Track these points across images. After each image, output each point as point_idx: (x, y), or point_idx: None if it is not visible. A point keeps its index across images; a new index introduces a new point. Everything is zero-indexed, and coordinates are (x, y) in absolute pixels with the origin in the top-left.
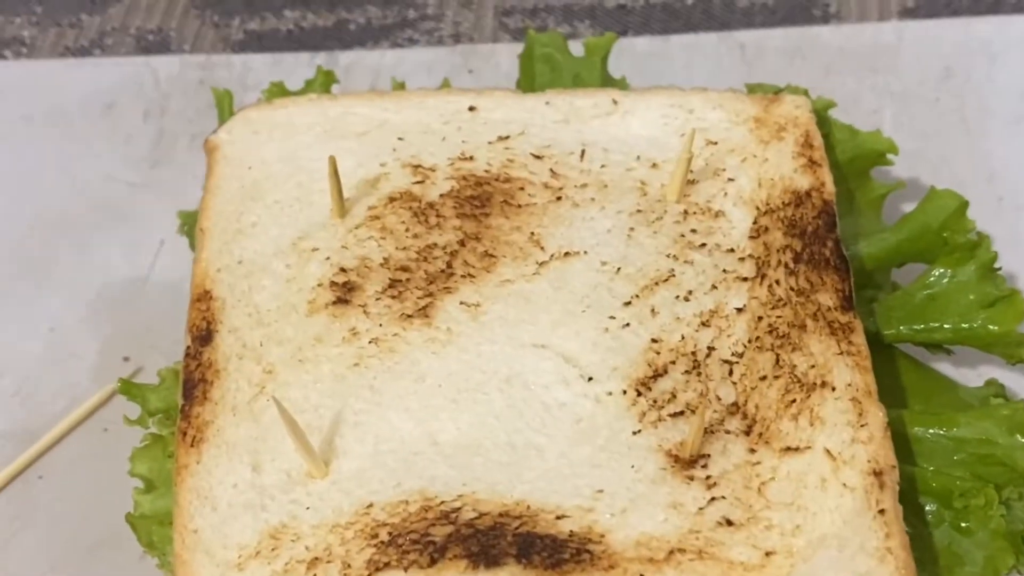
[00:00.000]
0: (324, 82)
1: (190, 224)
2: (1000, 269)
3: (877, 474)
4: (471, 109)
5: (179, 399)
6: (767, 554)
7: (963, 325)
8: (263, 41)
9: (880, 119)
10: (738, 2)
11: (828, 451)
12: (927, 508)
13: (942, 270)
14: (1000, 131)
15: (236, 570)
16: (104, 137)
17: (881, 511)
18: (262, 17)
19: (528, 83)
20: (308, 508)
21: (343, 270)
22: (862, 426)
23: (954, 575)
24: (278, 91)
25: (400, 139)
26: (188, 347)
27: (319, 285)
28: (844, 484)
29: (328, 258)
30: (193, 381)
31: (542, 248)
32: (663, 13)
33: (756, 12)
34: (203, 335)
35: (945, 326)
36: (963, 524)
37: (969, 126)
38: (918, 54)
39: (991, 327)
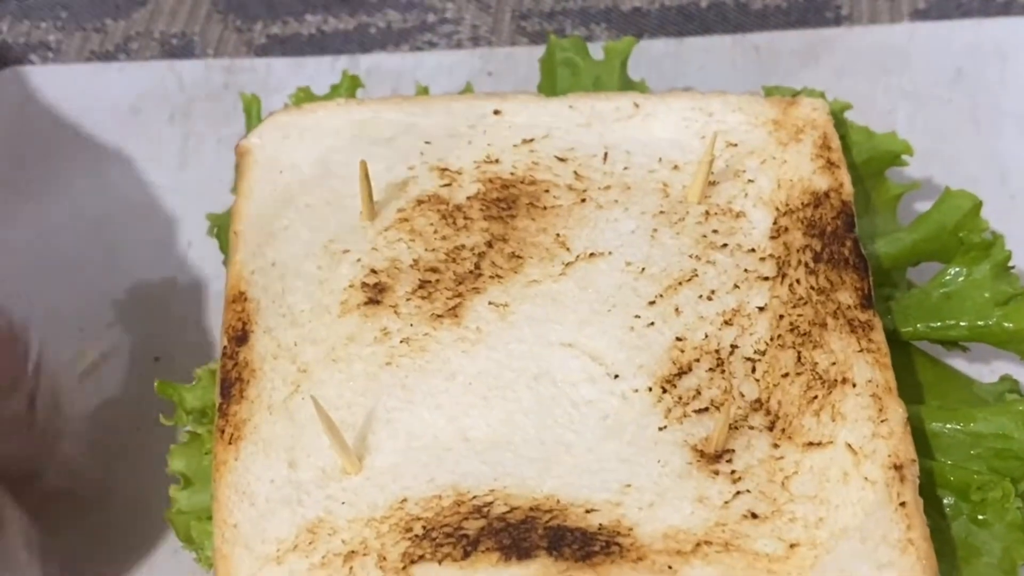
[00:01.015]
0: (350, 87)
1: (219, 226)
2: (1014, 268)
3: (898, 468)
4: (496, 113)
5: (216, 398)
6: (791, 546)
7: (979, 323)
8: (285, 45)
9: (894, 119)
10: (752, 4)
11: (850, 446)
12: (945, 501)
13: (957, 269)
14: (1012, 130)
15: (275, 563)
16: (131, 140)
17: (902, 504)
18: (284, 21)
19: (550, 87)
20: (343, 503)
21: (374, 271)
22: (882, 421)
23: (971, 566)
24: (305, 96)
25: (427, 143)
26: (225, 347)
27: (350, 286)
28: (866, 478)
29: (359, 260)
30: (230, 380)
31: (568, 249)
32: (678, 16)
33: (770, 14)
34: (239, 335)
35: (961, 324)
36: (980, 516)
37: (981, 126)
38: (930, 55)
39: (1006, 324)
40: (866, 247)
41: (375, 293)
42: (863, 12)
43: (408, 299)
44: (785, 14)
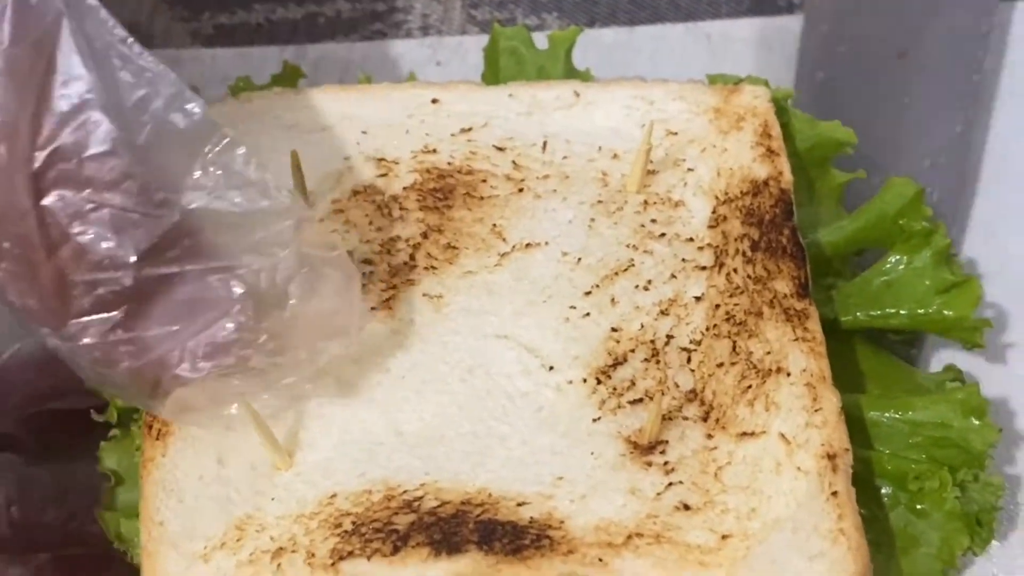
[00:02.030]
0: (290, 77)
1: None
2: (956, 255)
3: (831, 457)
4: (434, 102)
5: None
6: (723, 537)
7: (919, 311)
8: (233, 35)
9: None
10: None
11: (783, 435)
12: (883, 491)
13: (898, 257)
14: None
15: (202, 561)
16: None
17: (834, 493)
18: (231, 11)
19: (493, 76)
20: (273, 499)
21: None
22: (816, 411)
23: (910, 556)
24: (243, 86)
25: (364, 133)
26: None
27: None
28: (798, 468)
29: None
30: None
31: (504, 239)
32: (630, 4)
33: (722, 2)
34: None
35: (901, 312)
36: (918, 506)
37: None
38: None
39: (947, 312)
40: (808, 236)
41: None
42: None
43: None
44: (738, 2)
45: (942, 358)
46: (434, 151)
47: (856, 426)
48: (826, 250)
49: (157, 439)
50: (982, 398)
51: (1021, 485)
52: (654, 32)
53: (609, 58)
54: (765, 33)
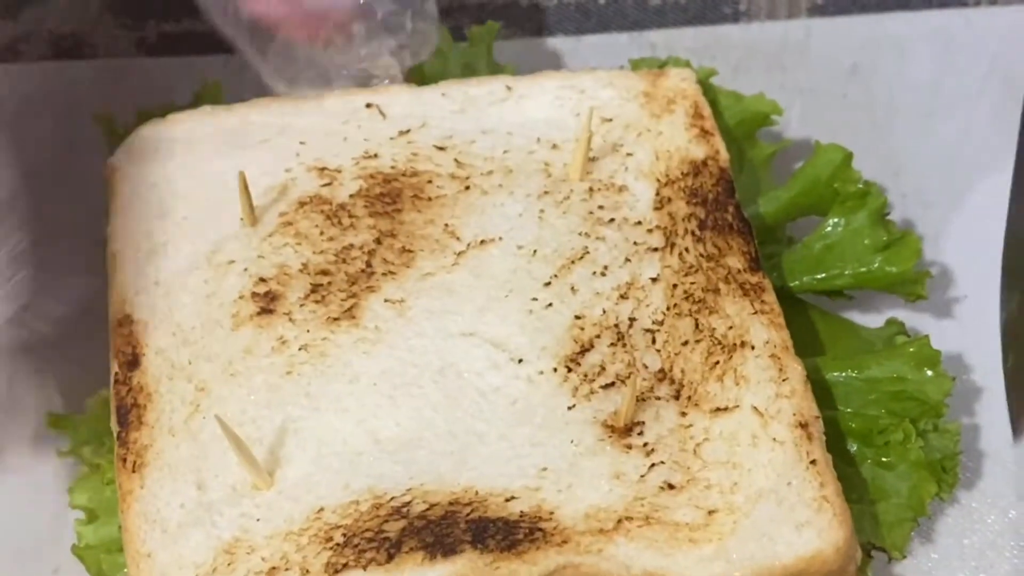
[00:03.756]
0: (213, 92)
1: None
2: (889, 214)
3: (803, 426)
4: (368, 106)
5: (113, 426)
6: (710, 513)
7: (861, 269)
8: (179, 44)
9: (788, 116)
10: (650, 1)
11: (755, 408)
12: (850, 448)
13: (836, 219)
14: (907, 127)
15: None
16: (18, 143)
17: (812, 462)
18: (177, 19)
19: (419, 76)
20: (259, 520)
21: (262, 280)
22: (783, 380)
23: (882, 508)
24: (170, 107)
25: (302, 143)
26: (116, 373)
27: (240, 297)
28: (774, 439)
29: (246, 269)
30: (126, 407)
31: (458, 238)
32: (576, 12)
33: (668, 10)
34: (130, 360)
35: (845, 272)
36: (884, 459)
37: (876, 122)
38: (826, 51)
39: (888, 269)
40: (747, 208)
41: (267, 302)
42: (761, 8)
43: (302, 304)
44: (684, 10)
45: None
46: (375, 156)
47: (817, 388)
48: (766, 220)
49: (133, 471)
50: (933, 350)
51: (982, 434)
52: (600, 41)
53: (556, 67)
54: (709, 42)
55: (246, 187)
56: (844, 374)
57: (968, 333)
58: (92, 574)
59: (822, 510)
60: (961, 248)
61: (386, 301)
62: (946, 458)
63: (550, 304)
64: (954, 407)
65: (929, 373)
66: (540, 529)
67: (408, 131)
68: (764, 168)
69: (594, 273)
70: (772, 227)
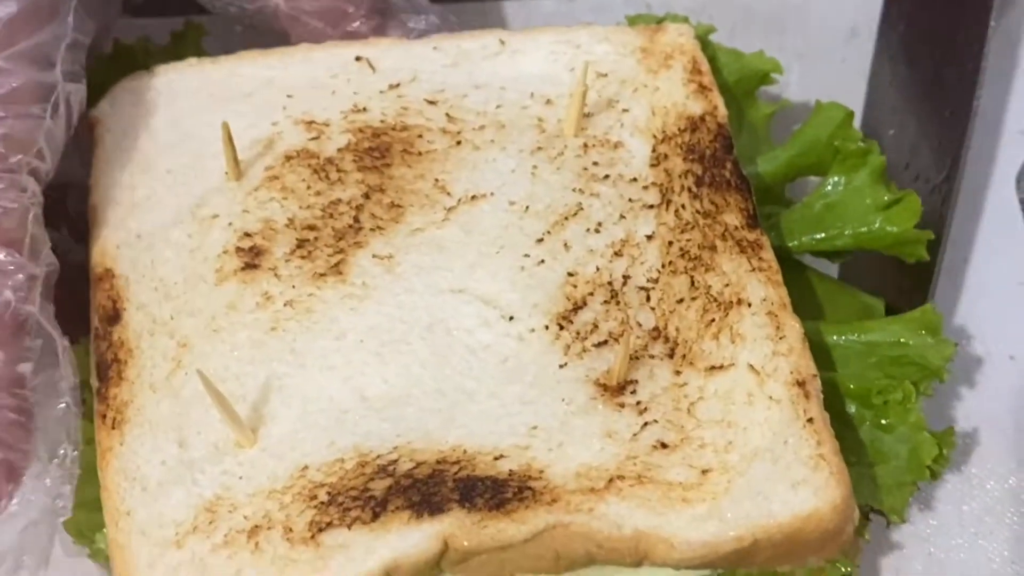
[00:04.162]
0: (193, 36)
1: None
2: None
3: (800, 384)
4: (358, 59)
5: (93, 382)
6: (704, 472)
7: (862, 229)
8: (165, 5)
9: (787, 79)
10: None
11: (751, 366)
12: (849, 411)
13: (837, 178)
14: None
15: (175, 548)
16: None
17: (809, 420)
18: None
19: None
20: (241, 478)
21: (247, 235)
22: (781, 339)
23: (881, 471)
24: (147, 44)
25: (289, 96)
26: (96, 328)
27: (224, 252)
28: (770, 397)
29: (230, 223)
30: (106, 362)
31: (448, 194)
32: None
33: None
34: (111, 315)
35: (845, 232)
36: (884, 421)
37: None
38: (825, 14)
39: (889, 228)
40: (746, 168)
41: (251, 257)
42: None
43: (287, 260)
44: None
45: None
46: (364, 110)
47: (816, 350)
48: (765, 179)
49: (113, 428)
50: (936, 314)
51: (982, 402)
52: (594, 2)
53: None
54: (706, 3)
55: (230, 139)
56: (844, 338)
57: (969, 299)
58: (71, 534)
59: (819, 468)
60: (961, 211)
61: (374, 257)
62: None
63: (542, 261)
64: (955, 375)
65: (930, 339)
66: (529, 488)
67: (398, 85)
68: (763, 128)
69: (588, 230)
70: (771, 187)
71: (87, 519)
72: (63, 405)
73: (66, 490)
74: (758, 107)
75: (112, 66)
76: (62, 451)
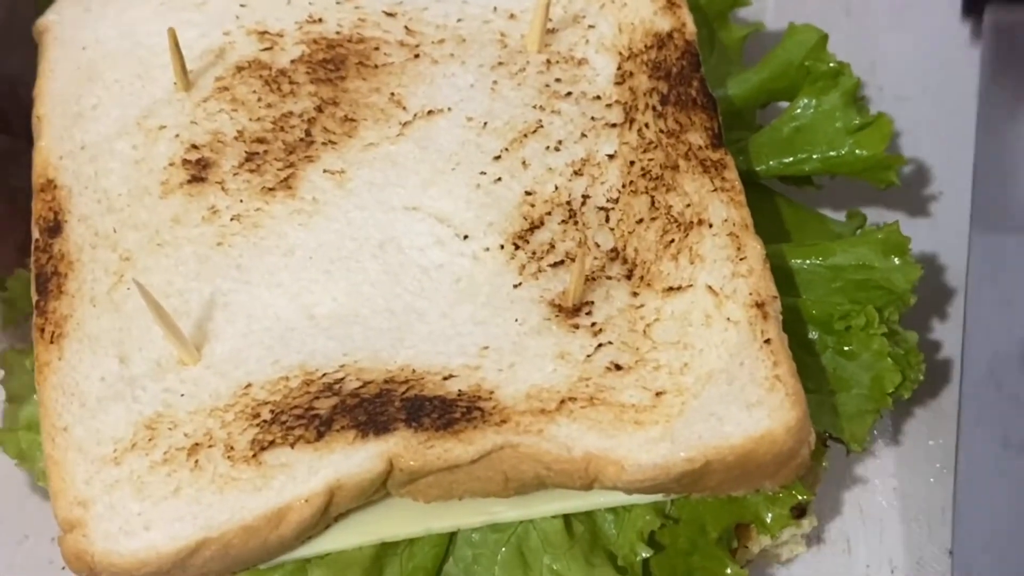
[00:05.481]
0: None
1: None
2: (861, 97)
3: (759, 305)
4: None
5: (33, 295)
6: (657, 394)
7: (831, 153)
8: None
9: (763, 5)
10: None
11: (710, 287)
12: (811, 337)
13: (807, 100)
14: (883, 20)
15: (112, 464)
16: None
17: (767, 341)
18: None
19: None
20: (183, 395)
21: (195, 147)
22: (741, 259)
23: (842, 399)
24: None
25: (242, 6)
26: (37, 240)
27: (171, 164)
28: (728, 318)
29: (177, 135)
30: (46, 275)
31: (404, 108)
32: None
33: None
34: (51, 226)
35: (814, 156)
36: (846, 348)
37: (853, 14)
38: None
39: (859, 152)
40: (715, 91)
41: (198, 170)
42: None
43: (235, 174)
44: None
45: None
46: (320, 20)
47: (779, 275)
48: (735, 103)
49: (51, 342)
50: (902, 236)
51: (948, 344)
52: None
53: None
54: None
55: (177, 46)
56: (808, 261)
57: (940, 231)
58: (11, 455)
59: (774, 389)
60: (936, 144)
61: (325, 172)
62: (910, 352)
63: (499, 179)
64: (923, 306)
65: (896, 261)
66: (479, 408)
67: None
68: (736, 51)
69: (547, 148)
70: (741, 111)
71: (28, 438)
72: None
73: None
74: (731, 29)
75: None
76: None
